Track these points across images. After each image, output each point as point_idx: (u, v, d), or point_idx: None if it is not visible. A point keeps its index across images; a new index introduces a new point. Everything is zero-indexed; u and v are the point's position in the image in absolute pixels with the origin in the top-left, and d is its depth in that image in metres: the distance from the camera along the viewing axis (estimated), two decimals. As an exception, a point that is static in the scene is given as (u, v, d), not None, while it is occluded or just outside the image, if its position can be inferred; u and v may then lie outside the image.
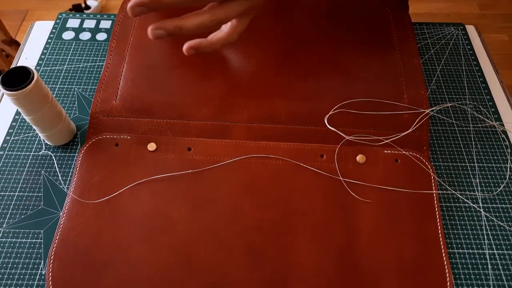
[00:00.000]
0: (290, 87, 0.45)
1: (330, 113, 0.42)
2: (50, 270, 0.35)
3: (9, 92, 0.34)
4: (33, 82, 0.35)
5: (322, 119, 0.43)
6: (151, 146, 0.41)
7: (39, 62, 0.49)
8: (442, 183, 0.40)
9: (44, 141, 0.42)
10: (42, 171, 0.41)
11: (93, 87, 0.47)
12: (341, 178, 0.39)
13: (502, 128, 0.44)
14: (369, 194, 0.39)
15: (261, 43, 0.49)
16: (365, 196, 0.38)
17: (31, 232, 0.37)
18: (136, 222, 0.37)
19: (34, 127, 0.40)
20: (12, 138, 0.43)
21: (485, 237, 0.38)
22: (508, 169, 0.41)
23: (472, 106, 0.46)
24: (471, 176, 0.41)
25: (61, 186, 0.40)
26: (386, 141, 0.41)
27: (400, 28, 0.50)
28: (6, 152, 0.42)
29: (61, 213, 0.38)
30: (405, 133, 0.41)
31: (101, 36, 0.52)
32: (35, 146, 0.42)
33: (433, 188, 0.39)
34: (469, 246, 0.37)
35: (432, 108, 0.45)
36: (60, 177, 0.40)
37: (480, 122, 0.45)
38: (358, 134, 0.42)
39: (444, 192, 0.40)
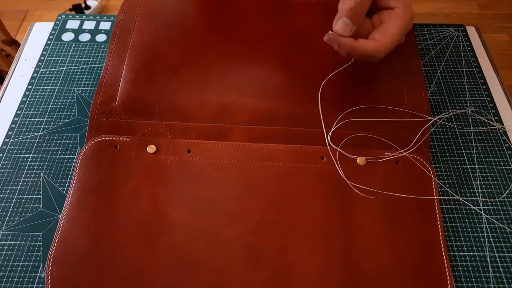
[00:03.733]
0: (289, 88, 0.45)
1: (332, 129, 0.42)
2: (49, 273, 0.34)
3: None
4: None
5: (322, 121, 0.43)
6: (151, 148, 0.41)
7: (39, 63, 0.49)
8: (443, 185, 0.40)
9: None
10: (41, 173, 0.41)
11: (93, 88, 0.47)
12: (345, 178, 0.39)
13: (503, 129, 0.44)
14: (370, 195, 0.39)
15: (261, 45, 0.49)
16: (366, 198, 0.38)
17: (30, 234, 0.37)
18: (135, 224, 0.37)
19: None
20: (11, 140, 0.43)
21: (486, 239, 0.37)
22: None
23: (473, 108, 0.46)
24: (472, 178, 0.41)
25: (60, 188, 0.40)
26: (389, 157, 0.41)
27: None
28: (5, 154, 0.42)
29: (60, 216, 0.38)
30: (408, 151, 0.41)
31: (101, 38, 0.52)
32: (34, 148, 0.42)
33: (434, 190, 0.39)
34: (469, 248, 0.37)
35: (439, 116, 0.45)
36: (59, 179, 0.40)
37: (481, 124, 0.45)
38: (359, 136, 0.42)
39: (446, 197, 0.40)
